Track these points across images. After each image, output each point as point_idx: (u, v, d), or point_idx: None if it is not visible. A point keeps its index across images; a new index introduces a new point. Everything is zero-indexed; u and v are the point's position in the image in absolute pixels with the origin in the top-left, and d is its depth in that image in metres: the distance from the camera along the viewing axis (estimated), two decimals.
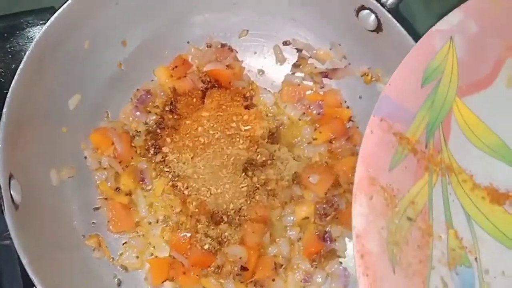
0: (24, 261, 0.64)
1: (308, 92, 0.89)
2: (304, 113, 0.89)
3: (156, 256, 0.83)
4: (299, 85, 0.90)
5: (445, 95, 0.57)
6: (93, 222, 0.83)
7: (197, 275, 0.80)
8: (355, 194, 0.52)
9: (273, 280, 0.80)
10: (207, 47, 0.91)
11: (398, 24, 0.72)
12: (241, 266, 0.79)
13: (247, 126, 0.86)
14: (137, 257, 0.82)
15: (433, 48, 0.57)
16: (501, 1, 0.59)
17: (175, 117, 0.86)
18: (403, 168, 0.54)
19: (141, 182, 0.85)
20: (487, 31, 0.58)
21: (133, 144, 0.86)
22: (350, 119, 0.88)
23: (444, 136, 0.57)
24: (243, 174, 0.83)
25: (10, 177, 0.67)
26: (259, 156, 0.84)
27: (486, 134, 0.58)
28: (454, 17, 0.58)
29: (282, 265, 0.81)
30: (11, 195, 0.66)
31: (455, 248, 0.55)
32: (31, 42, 0.71)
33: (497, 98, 0.59)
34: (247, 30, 0.91)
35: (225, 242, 0.81)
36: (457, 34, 0.57)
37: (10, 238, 0.64)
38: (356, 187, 0.52)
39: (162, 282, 0.81)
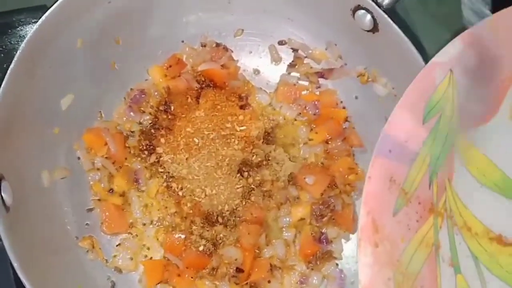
0: (15, 265, 0.62)
1: (303, 92, 0.89)
2: (299, 113, 0.88)
3: (151, 258, 0.82)
4: (294, 85, 0.89)
5: (446, 131, 0.55)
6: (86, 224, 0.82)
7: (191, 277, 0.79)
8: (360, 243, 0.50)
9: (269, 282, 0.79)
10: (202, 46, 0.90)
11: (394, 25, 0.71)
12: (237, 267, 0.78)
13: (242, 126, 0.85)
14: (131, 258, 0.81)
15: (432, 82, 0.55)
16: (499, 30, 0.57)
17: (170, 117, 0.85)
18: (407, 212, 0.52)
19: (135, 183, 0.84)
20: (486, 62, 0.56)
21: (126, 145, 0.85)
22: (346, 120, 0.87)
23: (448, 174, 0.55)
24: (238, 175, 0.83)
25: (1, 179, 0.66)
26: (254, 156, 0.84)
27: (490, 170, 0.56)
28: (453, 48, 0.56)
29: (277, 267, 0.81)
30: (1, 197, 0.65)
31: None
32: (23, 40, 0.69)
33: (500, 131, 0.56)
34: (242, 30, 0.90)
35: (220, 243, 0.80)
36: (456, 66, 0.56)
37: (1, 240, 0.63)
38: (361, 236, 0.50)
39: (157, 284, 0.80)
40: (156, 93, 0.87)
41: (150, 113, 0.86)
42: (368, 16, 0.74)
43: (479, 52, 0.56)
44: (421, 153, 0.54)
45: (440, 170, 0.55)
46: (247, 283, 0.79)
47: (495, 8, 0.89)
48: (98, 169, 0.83)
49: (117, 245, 0.82)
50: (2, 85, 0.67)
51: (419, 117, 0.54)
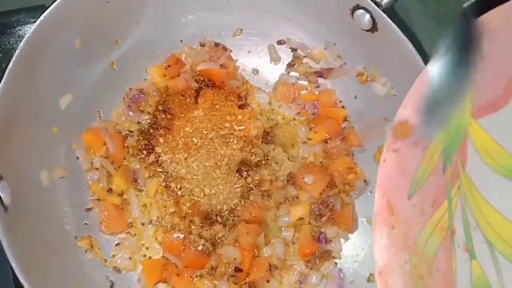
0: (13, 264, 0.62)
1: (302, 92, 0.89)
2: (298, 112, 0.88)
3: (150, 257, 0.82)
4: (293, 84, 0.89)
5: (459, 118, 0.55)
6: (85, 223, 0.82)
7: (190, 277, 0.79)
8: (375, 226, 0.50)
9: (268, 281, 0.79)
10: (201, 46, 0.90)
11: (393, 24, 0.71)
12: (235, 267, 0.78)
13: (241, 126, 0.85)
14: (130, 258, 0.81)
15: None
16: (509, 20, 0.56)
17: (168, 117, 0.85)
18: (421, 196, 0.52)
19: (134, 183, 0.84)
20: (498, 49, 0.56)
21: (125, 144, 0.85)
22: (345, 119, 0.87)
23: (461, 160, 0.55)
24: (237, 174, 0.82)
25: None
26: (253, 156, 0.84)
27: (503, 157, 0.56)
28: None
29: (276, 266, 0.81)
30: (0, 197, 0.65)
31: (479, 279, 0.53)
32: (22, 40, 0.69)
33: None
34: (241, 29, 0.90)
35: (219, 243, 0.80)
36: None
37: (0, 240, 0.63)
38: (376, 218, 0.50)
39: (156, 284, 0.80)
40: (155, 93, 0.87)
41: (149, 113, 0.86)
42: (367, 16, 0.74)
43: (490, 39, 0.56)
44: (435, 138, 0.54)
45: (454, 156, 0.55)
46: (246, 283, 0.79)
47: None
48: (97, 168, 0.83)
49: (116, 245, 0.82)
50: (1, 85, 0.67)
51: None
